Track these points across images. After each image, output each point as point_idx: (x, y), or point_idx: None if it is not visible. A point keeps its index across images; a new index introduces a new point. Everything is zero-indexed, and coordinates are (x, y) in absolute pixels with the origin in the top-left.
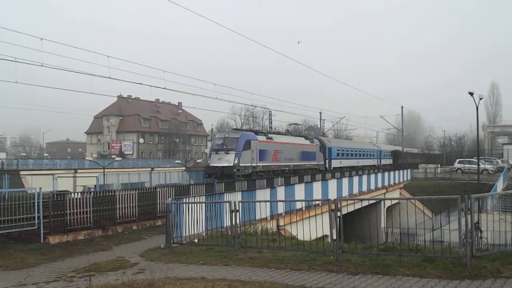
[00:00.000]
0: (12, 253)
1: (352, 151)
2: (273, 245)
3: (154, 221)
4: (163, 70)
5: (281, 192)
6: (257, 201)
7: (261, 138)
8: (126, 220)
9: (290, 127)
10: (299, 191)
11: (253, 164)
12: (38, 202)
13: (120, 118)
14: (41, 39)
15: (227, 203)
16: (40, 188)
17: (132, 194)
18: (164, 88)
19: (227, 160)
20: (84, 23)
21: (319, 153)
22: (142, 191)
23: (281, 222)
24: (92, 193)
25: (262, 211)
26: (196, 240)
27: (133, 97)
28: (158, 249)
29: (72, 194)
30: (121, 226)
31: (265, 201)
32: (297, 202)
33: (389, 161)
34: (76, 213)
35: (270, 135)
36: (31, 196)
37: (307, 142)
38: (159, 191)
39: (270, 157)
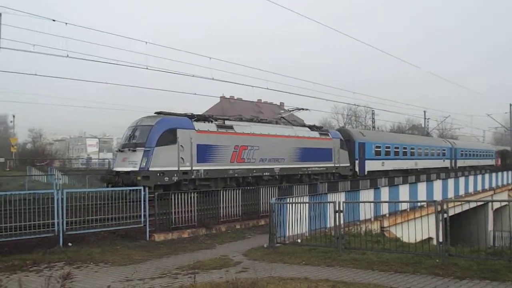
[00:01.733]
0: (119, 250)
1: (404, 148)
2: (377, 247)
3: (257, 220)
4: (264, 70)
5: (385, 193)
6: (361, 202)
7: (204, 126)
8: (230, 219)
9: (286, 115)
10: (404, 191)
11: (184, 168)
12: (144, 201)
13: None
14: (146, 42)
15: (331, 204)
16: (145, 187)
17: (236, 193)
18: (266, 88)
19: (133, 162)
20: (185, 30)
21: (341, 151)
22: (246, 191)
23: (385, 224)
24: (196, 192)
25: (366, 212)
26: (299, 240)
27: (235, 97)
28: (261, 249)
29: (177, 193)
30: (224, 225)
31: (369, 202)
32: (401, 203)
33: (472, 162)
34: (181, 212)
35: (228, 123)
36: (137, 195)
37: (315, 134)
38: (263, 191)
39: (225, 157)
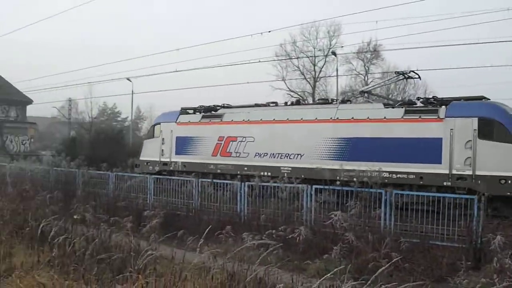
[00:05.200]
0: None
1: None
2: None
3: None
4: None
5: None
6: None
7: (187, 118)
8: None
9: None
10: None
11: (164, 159)
12: None
13: None
14: None
15: None
16: None
17: None
18: None
19: None
20: None
21: (481, 143)
22: None
23: None
24: None
25: None
26: None
27: None
28: None
29: None
30: None
31: None
32: None
33: None
34: None
35: (222, 111)
36: None
37: (391, 114)
38: None
39: (205, 150)
